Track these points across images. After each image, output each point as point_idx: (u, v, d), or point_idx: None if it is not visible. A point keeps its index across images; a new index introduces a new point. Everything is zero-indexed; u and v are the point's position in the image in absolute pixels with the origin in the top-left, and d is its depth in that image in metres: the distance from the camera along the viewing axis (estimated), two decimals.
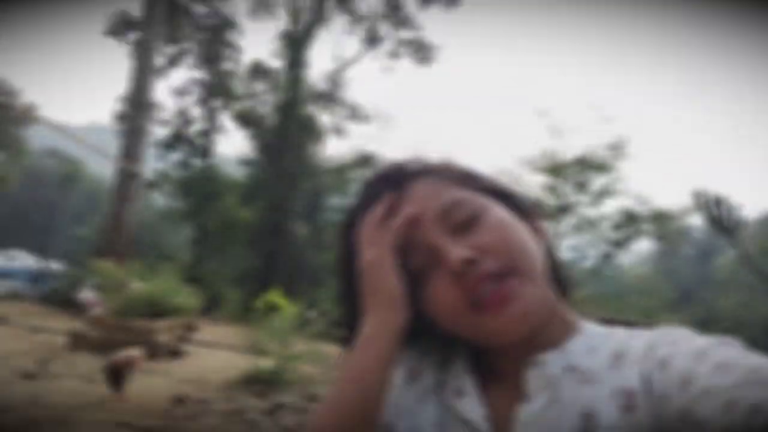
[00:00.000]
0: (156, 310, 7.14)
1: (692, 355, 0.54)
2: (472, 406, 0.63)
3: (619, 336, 0.65)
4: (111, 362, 3.85)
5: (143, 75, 12.73)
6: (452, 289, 0.59)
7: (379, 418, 0.59)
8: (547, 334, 0.64)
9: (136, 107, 12.22)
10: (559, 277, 0.68)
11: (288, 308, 7.33)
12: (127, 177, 11.70)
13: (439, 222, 0.62)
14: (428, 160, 0.69)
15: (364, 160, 20.90)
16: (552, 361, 0.62)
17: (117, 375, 3.75)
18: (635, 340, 0.63)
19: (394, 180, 0.67)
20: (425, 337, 0.69)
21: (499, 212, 0.63)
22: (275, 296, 8.00)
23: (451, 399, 0.65)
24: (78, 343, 7.20)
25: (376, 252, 0.62)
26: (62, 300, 11.87)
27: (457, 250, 0.59)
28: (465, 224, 0.61)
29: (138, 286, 7.58)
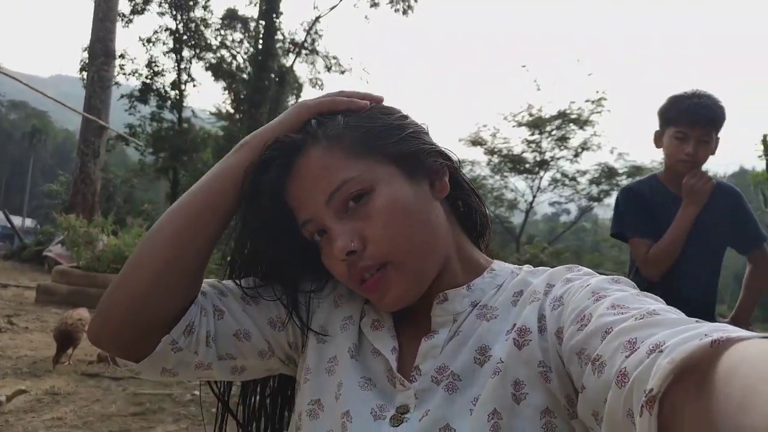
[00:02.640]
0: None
1: (587, 294, 0.54)
2: (384, 338, 0.67)
3: (523, 275, 0.67)
4: (62, 325, 3.67)
5: (107, 21, 12.02)
6: (340, 265, 0.64)
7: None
8: (449, 277, 0.67)
9: (101, 56, 11.58)
10: (472, 221, 0.74)
11: None
12: (94, 130, 11.22)
13: (327, 203, 0.63)
14: (335, 108, 0.68)
15: None
16: (457, 298, 0.66)
17: (68, 338, 3.57)
18: (535, 277, 0.65)
19: (287, 150, 0.65)
20: None
21: (389, 191, 0.63)
22: None
23: (368, 330, 0.68)
24: (46, 297, 7.07)
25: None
26: (32, 256, 11.64)
27: (341, 238, 0.61)
28: (353, 204, 0.62)
29: (106, 241, 7.41)
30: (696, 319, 0.43)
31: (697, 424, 0.34)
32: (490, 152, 17.71)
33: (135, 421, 3.39)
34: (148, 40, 18.51)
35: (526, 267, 0.70)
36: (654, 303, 0.50)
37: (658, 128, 2.06)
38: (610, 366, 0.43)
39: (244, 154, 0.68)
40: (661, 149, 2.05)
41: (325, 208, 0.63)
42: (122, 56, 17.83)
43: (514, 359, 0.57)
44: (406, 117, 0.69)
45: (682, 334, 0.39)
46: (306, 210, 0.64)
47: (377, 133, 0.65)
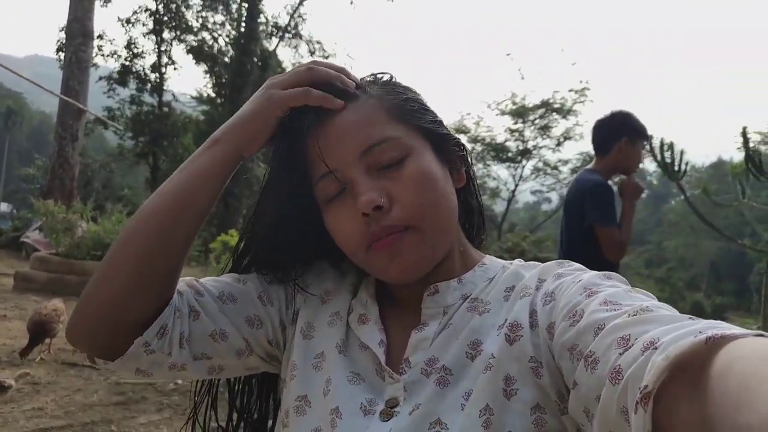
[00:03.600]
0: (105, 251, 6.86)
1: (579, 289, 0.53)
2: (371, 332, 0.66)
3: (514, 268, 0.67)
4: (36, 316, 3.53)
5: (85, 0, 11.67)
6: (354, 224, 0.62)
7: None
8: (447, 268, 0.67)
9: (78, 37, 11.27)
10: (472, 220, 0.74)
11: None
12: (72, 113, 10.94)
13: (362, 156, 0.62)
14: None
15: None
16: (448, 291, 0.65)
17: (41, 330, 3.44)
18: (527, 271, 0.65)
19: (335, 90, 0.65)
20: (343, 261, 0.74)
21: (423, 161, 0.63)
22: (232, 237, 7.84)
23: (355, 325, 0.68)
24: (24, 284, 6.94)
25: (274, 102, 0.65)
26: (8, 241, 11.40)
27: (369, 193, 0.60)
28: (387, 165, 0.62)
29: (86, 227, 7.27)
30: (689, 316, 0.44)
31: (691, 422, 0.34)
32: (473, 140, 17.75)
33: (117, 410, 3.37)
34: (128, 21, 18.03)
35: (518, 261, 0.70)
36: (647, 299, 0.50)
37: (626, 138, 2.43)
38: (604, 363, 0.43)
39: (216, 152, 0.66)
40: (621, 154, 2.44)
41: (358, 161, 0.62)
42: (101, 37, 17.36)
43: (505, 355, 0.56)
44: (426, 102, 0.71)
45: (677, 330, 0.39)
46: (334, 159, 0.62)
47: (414, 105, 0.67)
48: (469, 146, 0.75)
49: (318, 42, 20.22)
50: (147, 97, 18.68)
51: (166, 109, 18.69)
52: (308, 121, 0.64)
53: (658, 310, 0.45)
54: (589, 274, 0.57)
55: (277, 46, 19.33)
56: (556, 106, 17.09)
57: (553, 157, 18.57)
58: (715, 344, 0.35)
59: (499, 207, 20.42)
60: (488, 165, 18.82)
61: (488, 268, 0.68)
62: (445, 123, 0.72)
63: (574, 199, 2.50)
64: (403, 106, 0.66)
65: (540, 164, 18.87)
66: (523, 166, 18.83)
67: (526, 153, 18.31)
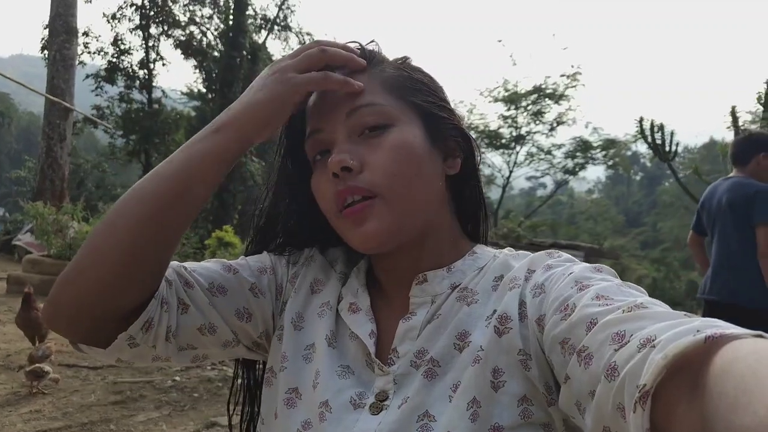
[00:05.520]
0: None
1: (570, 282, 0.53)
2: (361, 322, 0.65)
3: (503, 258, 0.66)
4: (32, 368, 3.51)
5: None
6: (329, 186, 0.62)
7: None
8: (436, 256, 0.66)
9: (62, 34, 11.10)
10: (467, 211, 0.72)
11: (239, 245, 7.18)
12: (59, 113, 10.81)
13: (347, 117, 0.62)
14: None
15: None
16: (437, 279, 0.65)
17: (38, 376, 3.49)
18: (516, 261, 0.64)
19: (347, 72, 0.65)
20: (332, 246, 0.75)
21: (406, 134, 0.62)
22: (227, 233, 7.80)
23: (345, 314, 0.67)
24: (17, 287, 6.88)
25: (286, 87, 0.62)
26: (2, 245, 11.31)
27: (341, 154, 0.60)
28: (368, 130, 0.62)
29: (78, 228, 7.21)
30: (684, 313, 0.43)
31: (689, 422, 0.34)
32: (467, 129, 17.69)
33: (116, 409, 3.34)
34: (113, 16, 17.78)
35: (507, 249, 0.69)
36: (640, 295, 0.49)
37: (764, 153, 2.83)
38: (598, 358, 0.43)
39: (221, 138, 0.61)
40: (760, 167, 2.84)
41: (342, 123, 0.62)
42: (86, 34, 17.14)
43: (494, 347, 0.56)
44: (445, 93, 0.71)
45: (675, 328, 0.38)
46: (322, 118, 0.64)
47: (416, 84, 0.66)
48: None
49: (308, 33, 20.06)
50: (136, 95, 18.50)
51: (156, 106, 18.52)
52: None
53: (653, 306, 0.45)
54: (580, 267, 0.57)
55: (266, 38, 19.17)
56: (548, 91, 17.08)
57: (547, 143, 18.61)
58: (714, 344, 0.35)
59: (494, 194, 20.46)
60: (482, 152, 18.77)
61: (478, 257, 0.67)
62: (459, 114, 0.71)
63: (740, 203, 2.76)
64: (402, 81, 0.65)
65: (534, 150, 18.90)
66: (517, 153, 18.85)
67: (519, 139, 18.31)
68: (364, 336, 0.63)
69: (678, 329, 0.38)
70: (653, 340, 0.38)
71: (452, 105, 0.71)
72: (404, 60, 0.70)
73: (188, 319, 0.64)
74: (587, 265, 0.57)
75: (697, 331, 0.36)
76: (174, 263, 0.67)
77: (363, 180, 0.60)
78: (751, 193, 2.72)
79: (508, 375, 0.55)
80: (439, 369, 0.58)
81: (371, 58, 0.67)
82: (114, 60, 17.93)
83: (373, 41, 0.71)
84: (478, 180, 0.73)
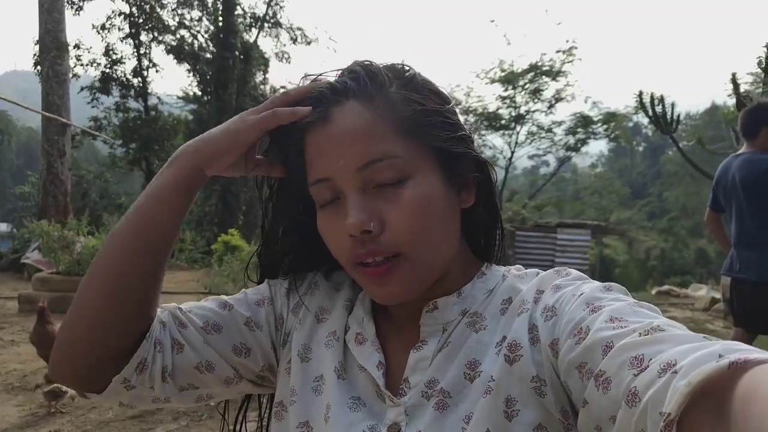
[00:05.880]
0: None
1: (581, 304, 0.52)
2: (368, 353, 0.64)
3: (511, 280, 0.65)
4: (51, 388, 3.63)
5: (54, 12, 11.43)
6: (343, 240, 0.59)
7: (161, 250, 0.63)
8: (447, 284, 0.64)
9: (52, 50, 11.07)
10: (478, 235, 0.70)
11: (246, 248, 7.18)
12: (57, 128, 10.81)
13: (358, 171, 0.58)
14: (387, 75, 0.61)
15: None
16: (447, 306, 0.63)
17: (57, 396, 3.59)
18: (524, 283, 0.63)
19: (336, 91, 0.60)
20: (337, 268, 0.71)
21: (425, 185, 0.59)
22: (232, 237, 7.82)
23: (353, 345, 0.66)
24: (29, 306, 6.93)
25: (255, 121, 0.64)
26: (9, 264, 11.38)
27: (359, 215, 0.57)
28: (385, 184, 0.58)
29: (85, 243, 7.24)
30: (704, 335, 0.42)
31: None
32: (465, 112, 17.60)
33: (134, 424, 3.37)
34: (102, 27, 17.73)
35: (515, 269, 0.67)
36: (654, 315, 0.49)
37: None
38: (617, 383, 0.43)
39: (174, 170, 0.64)
40: None
41: (353, 175, 0.58)
42: (77, 46, 17.11)
43: (506, 376, 0.55)
44: (455, 111, 0.66)
45: (695, 352, 0.38)
46: (328, 167, 0.59)
47: (430, 118, 0.61)
48: (460, 118, 0.66)
49: (299, 28, 19.95)
50: (132, 103, 18.48)
51: (153, 113, 18.52)
52: (310, 117, 0.60)
53: (670, 328, 0.44)
54: (590, 287, 0.55)
55: (257, 36, 19.06)
56: (544, 68, 16.91)
57: (547, 120, 18.46)
58: (738, 369, 0.34)
59: (497, 176, 20.35)
60: (483, 135, 18.69)
61: (488, 278, 0.66)
62: (471, 136, 0.65)
63: (751, 181, 2.73)
64: (417, 118, 0.59)
65: (534, 128, 18.75)
66: (518, 133, 18.72)
67: (519, 119, 18.17)
68: (371, 368, 0.62)
69: (699, 354, 0.37)
70: (674, 365, 0.38)
71: (459, 119, 0.66)
72: (410, 77, 0.63)
73: (184, 359, 0.65)
74: (597, 284, 0.56)
75: (720, 355, 0.36)
76: (170, 305, 0.69)
77: (384, 242, 0.58)
78: (762, 169, 2.70)
79: (522, 404, 0.54)
80: (450, 400, 0.57)
81: (372, 83, 0.60)
82: (107, 70, 17.90)
83: (368, 62, 0.63)
84: (495, 202, 0.70)
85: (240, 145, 0.64)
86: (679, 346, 0.40)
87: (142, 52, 18.41)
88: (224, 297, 0.72)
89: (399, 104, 0.59)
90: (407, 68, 0.64)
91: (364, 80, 0.60)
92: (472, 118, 17.86)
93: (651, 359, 0.41)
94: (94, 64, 17.80)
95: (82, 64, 17.59)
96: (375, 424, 0.60)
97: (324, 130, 0.59)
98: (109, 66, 17.91)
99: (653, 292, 9.89)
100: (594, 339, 0.47)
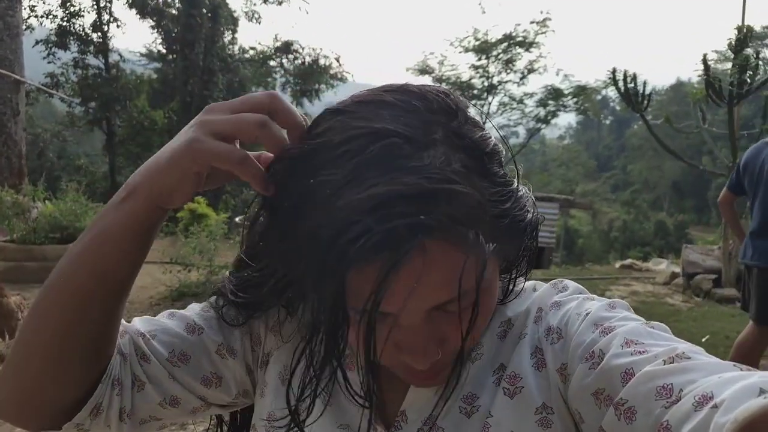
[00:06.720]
0: (65, 233, 6.51)
1: (589, 326, 0.50)
2: (357, 380, 0.58)
3: (511, 305, 0.61)
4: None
5: None
6: (393, 357, 0.52)
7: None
8: None
9: (4, 0, 10.35)
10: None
11: (212, 216, 7.03)
12: (9, 85, 10.21)
13: (429, 313, 0.49)
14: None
15: (285, 48, 19.47)
16: None
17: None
18: (520, 305, 0.60)
19: (412, 232, 0.42)
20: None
21: (490, 294, 0.52)
22: (198, 205, 7.63)
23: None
24: None
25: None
26: None
27: (426, 354, 0.49)
28: (454, 309, 0.48)
29: (41, 209, 6.94)
30: (733, 363, 0.41)
31: None
32: (438, 81, 17.47)
33: None
34: None
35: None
36: (671, 338, 0.48)
37: None
38: (644, 414, 0.41)
39: (129, 208, 0.52)
40: None
41: (423, 313, 0.48)
42: None
43: (506, 411, 0.53)
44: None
45: (732, 386, 0.37)
46: (391, 305, 0.46)
47: (510, 217, 0.49)
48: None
49: None
50: (92, 59, 17.59)
51: (114, 70, 17.69)
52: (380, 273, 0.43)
53: (695, 355, 0.43)
54: (595, 306, 0.53)
55: None
56: (518, 39, 16.83)
57: (518, 92, 18.50)
58: None
59: None
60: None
61: None
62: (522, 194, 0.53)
63: None
64: (495, 223, 0.48)
65: (506, 99, 18.78)
66: (489, 103, 18.72)
67: (491, 89, 18.14)
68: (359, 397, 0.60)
69: (738, 387, 0.36)
70: (711, 398, 0.37)
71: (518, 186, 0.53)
72: (468, 117, 0.53)
73: (145, 397, 0.60)
74: (600, 303, 0.54)
75: (761, 389, 0.35)
76: (132, 329, 0.61)
77: (445, 359, 0.51)
78: None
79: None
80: None
81: (465, 218, 0.45)
82: (64, 23, 16.90)
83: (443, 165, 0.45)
84: (536, 240, 0.57)
85: (188, 180, 0.51)
86: (710, 375, 0.39)
87: (102, 5, 17.42)
88: (193, 314, 0.64)
89: (478, 217, 0.46)
90: (441, 93, 0.53)
91: (449, 214, 0.43)
92: (444, 87, 17.76)
93: (681, 390, 0.40)
94: (50, 16, 16.78)
95: (36, 16, 16.56)
96: None
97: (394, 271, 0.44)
98: (66, 19, 16.91)
99: (617, 265, 10.18)
100: (611, 365, 0.45)
